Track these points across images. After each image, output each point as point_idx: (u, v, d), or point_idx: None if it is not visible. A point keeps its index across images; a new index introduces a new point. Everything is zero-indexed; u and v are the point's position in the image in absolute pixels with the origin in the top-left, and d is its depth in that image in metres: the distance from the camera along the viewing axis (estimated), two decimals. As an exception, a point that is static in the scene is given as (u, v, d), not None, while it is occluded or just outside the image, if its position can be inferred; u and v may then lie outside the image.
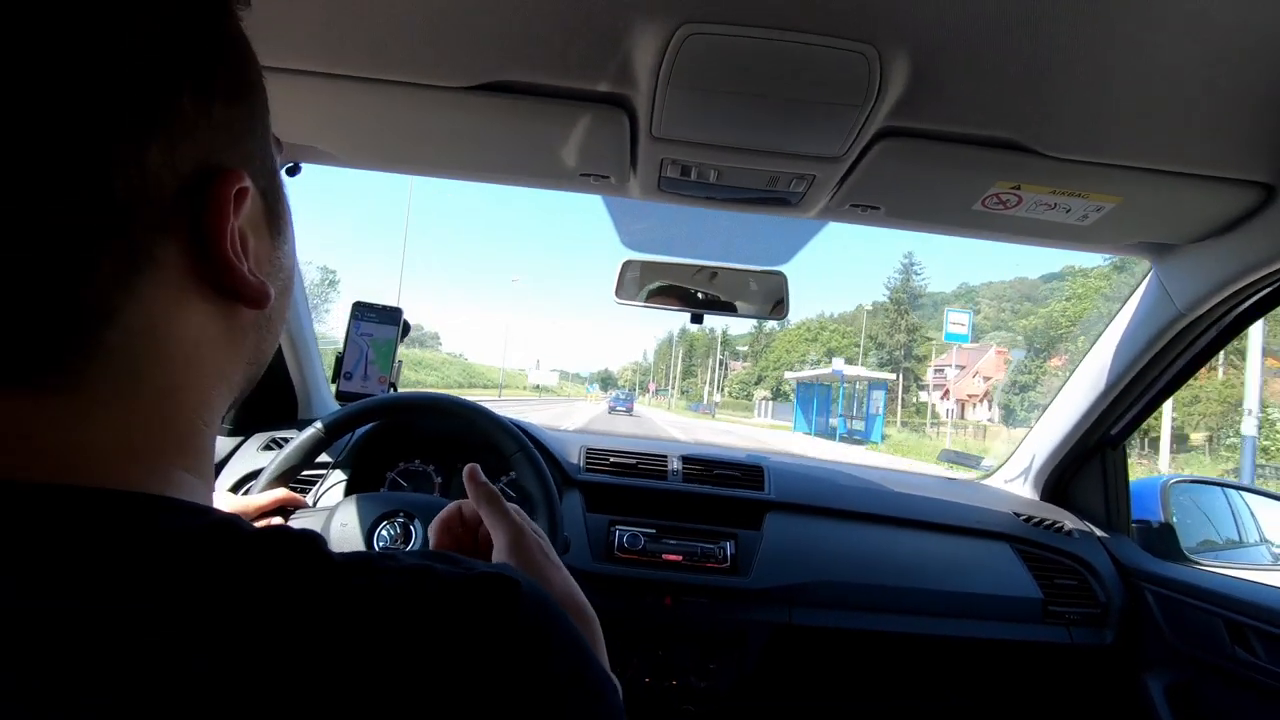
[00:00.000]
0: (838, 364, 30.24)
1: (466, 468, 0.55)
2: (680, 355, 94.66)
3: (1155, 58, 0.67)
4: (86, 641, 0.21)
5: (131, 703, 0.20)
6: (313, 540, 0.28)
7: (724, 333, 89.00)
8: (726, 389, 78.06)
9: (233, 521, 0.27)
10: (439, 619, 0.26)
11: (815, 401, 31.36)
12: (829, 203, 1.03)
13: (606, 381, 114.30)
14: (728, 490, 1.35)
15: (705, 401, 74.24)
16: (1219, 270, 1.01)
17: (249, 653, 0.23)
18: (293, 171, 1.10)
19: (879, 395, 28.30)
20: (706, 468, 1.39)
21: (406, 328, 1.37)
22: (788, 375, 53.72)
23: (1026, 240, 1.09)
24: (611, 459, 1.38)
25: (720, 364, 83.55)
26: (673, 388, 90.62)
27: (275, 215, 0.35)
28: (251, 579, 0.25)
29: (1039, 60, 0.68)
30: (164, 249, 0.28)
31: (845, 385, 29.10)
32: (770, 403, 63.17)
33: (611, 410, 36.56)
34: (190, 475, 0.30)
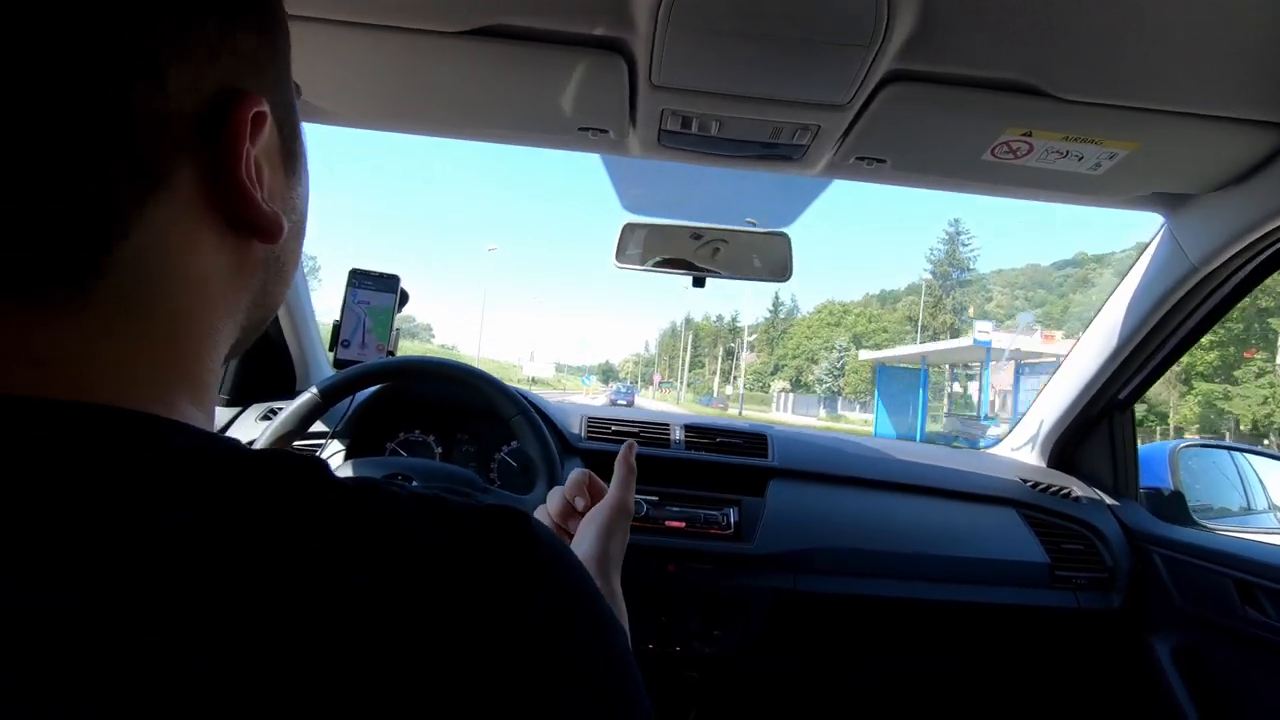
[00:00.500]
0: (983, 329, 18.73)
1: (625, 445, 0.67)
2: (689, 343, 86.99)
3: None
4: (80, 558, 0.21)
5: (140, 606, 0.21)
6: (318, 463, 0.28)
7: (733, 319, 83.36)
8: (739, 380, 69.94)
9: (237, 444, 0.27)
10: (451, 543, 0.26)
11: (919, 393, 19.01)
12: (834, 157, 1.00)
13: (607, 374, 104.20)
14: (731, 457, 1.34)
15: (716, 394, 66.82)
16: (1235, 220, 0.98)
17: (258, 569, 0.23)
18: None
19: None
20: (709, 435, 1.38)
21: (405, 296, 1.36)
22: (864, 355, 41.25)
23: (1036, 194, 1.06)
24: (613, 427, 1.37)
25: (728, 354, 77.62)
26: (680, 381, 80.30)
27: (291, 152, 0.35)
28: (258, 496, 0.25)
29: None
30: (180, 172, 0.28)
31: (951, 371, 18.72)
32: (790, 395, 57.92)
33: (613, 404, 34.65)
34: (194, 408, 0.31)
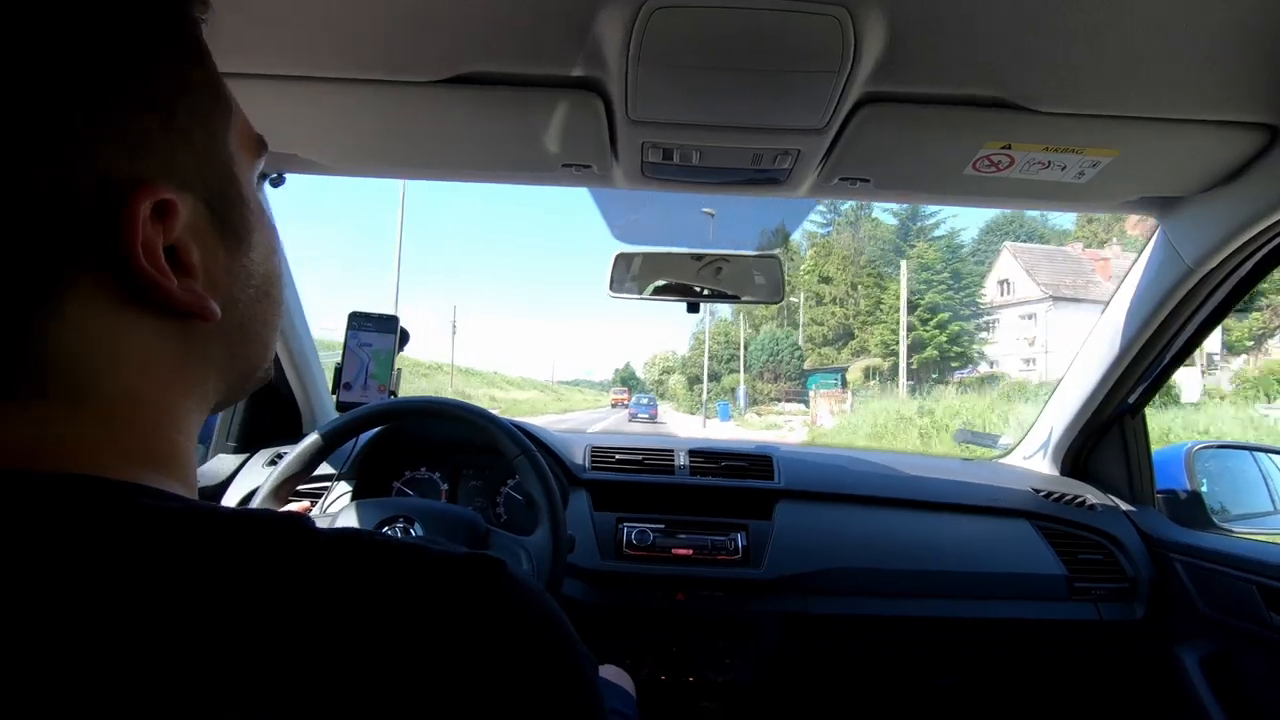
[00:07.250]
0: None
1: None
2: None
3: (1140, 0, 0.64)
4: (54, 629, 0.22)
5: (105, 691, 0.22)
6: (295, 519, 0.28)
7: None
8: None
9: (210, 507, 0.28)
10: (427, 592, 0.27)
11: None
12: (817, 178, 1.01)
13: (628, 382, 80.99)
14: (736, 481, 1.33)
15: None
16: (1228, 221, 0.97)
17: (234, 632, 0.23)
18: (276, 182, 1.11)
19: None
20: (714, 460, 1.37)
21: (405, 336, 1.37)
22: None
23: (1023, 204, 1.06)
24: (617, 456, 1.37)
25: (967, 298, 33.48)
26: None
27: (231, 224, 0.34)
28: (233, 558, 0.25)
29: (1018, 12, 0.66)
30: (78, 268, 0.28)
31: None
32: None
33: (632, 419, 29.32)
34: (167, 479, 0.31)
